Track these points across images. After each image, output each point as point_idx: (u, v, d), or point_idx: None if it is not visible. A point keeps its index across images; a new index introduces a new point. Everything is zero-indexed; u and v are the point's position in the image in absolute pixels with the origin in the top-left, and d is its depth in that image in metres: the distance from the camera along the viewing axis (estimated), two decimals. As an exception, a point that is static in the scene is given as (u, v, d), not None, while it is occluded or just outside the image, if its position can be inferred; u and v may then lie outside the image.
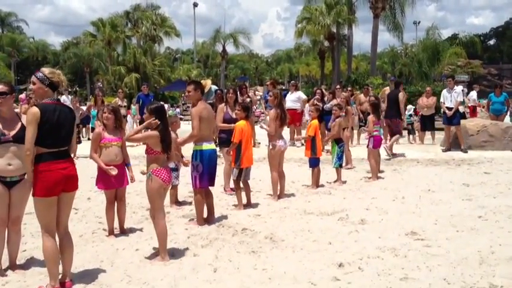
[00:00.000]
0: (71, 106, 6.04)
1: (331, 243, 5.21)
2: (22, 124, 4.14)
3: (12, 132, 4.13)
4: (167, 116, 5.11)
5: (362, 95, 14.45)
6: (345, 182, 8.62)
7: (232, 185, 7.84)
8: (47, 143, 3.75)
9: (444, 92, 12.20)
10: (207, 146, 5.95)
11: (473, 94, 17.09)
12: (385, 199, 7.32)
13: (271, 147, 7.37)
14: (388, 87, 14.15)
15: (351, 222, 6.01)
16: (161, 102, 5.81)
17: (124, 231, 5.66)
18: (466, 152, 11.69)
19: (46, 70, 3.93)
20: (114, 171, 5.28)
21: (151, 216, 4.79)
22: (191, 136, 5.96)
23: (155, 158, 4.62)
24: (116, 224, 5.66)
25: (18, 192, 4.21)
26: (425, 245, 5.07)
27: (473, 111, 17.88)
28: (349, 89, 15.92)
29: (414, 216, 6.29)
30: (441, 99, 12.21)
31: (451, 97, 11.90)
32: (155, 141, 4.58)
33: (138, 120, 14.37)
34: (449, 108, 11.88)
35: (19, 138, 4.04)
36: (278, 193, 7.44)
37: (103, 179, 5.44)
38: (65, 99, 15.13)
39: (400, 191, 7.91)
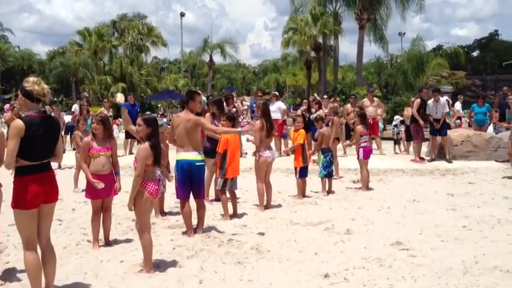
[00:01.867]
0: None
1: (317, 253, 5.22)
2: None
3: None
4: None
5: (349, 105, 14.54)
6: (332, 192, 8.64)
7: (212, 195, 7.86)
8: (28, 156, 3.69)
9: (429, 103, 12.31)
10: (183, 156, 5.86)
11: (458, 105, 17.25)
12: (371, 209, 7.36)
13: (257, 157, 7.38)
14: (366, 99, 14.22)
15: (337, 233, 6.03)
16: (149, 112, 5.80)
17: (109, 243, 5.60)
18: (451, 162, 11.81)
19: (29, 79, 3.83)
20: (100, 185, 5.25)
21: (137, 228, 4.73)
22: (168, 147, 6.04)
23: (145, 170, 4.54)
24: (101, 235, 5.61)
25: None
26: (410, 255, 5.10)
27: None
28: (337, 99, 16.03)
29: (399, 226, 6.33)
30: (427, 111, 12.31)
31: (437, 109, 12.03)
32: (147, 154, 4.52)
33: (124, 131, 14.29)
34: (437, 120, 12.00)
35: None
36: (265, 203, 7.44)
37: (91, 189, 5.40)
38: (76, 107, 14.93)
39: (386, 201, 7.95)
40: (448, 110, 12.67)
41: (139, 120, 4.68)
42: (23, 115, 3.78)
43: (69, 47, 49.22)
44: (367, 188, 8.89)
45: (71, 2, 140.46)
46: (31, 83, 3.74)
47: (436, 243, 5.55)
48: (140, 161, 4.51)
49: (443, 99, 12.65)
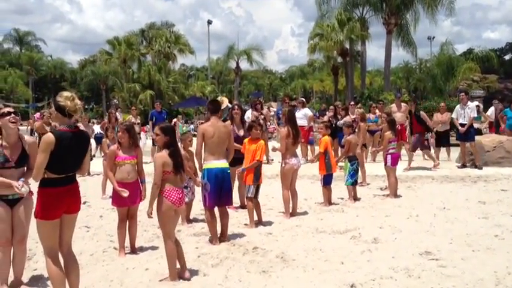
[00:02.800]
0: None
1: (343, 262, 5.13)
2: (23, 148, 4.29)
3: (14, 158, 4.23)
4: (181, 132, 5.13)
5: (378, 111, 14.31)
6: (358, 199, 8.52)
7: (236, 202, 7.87)
8: (56, 169, 3.74)
9: (457, 107, 12.03)
10: (215, 164, 5.92)
11: (491, 110, 16.48)
12: (399, 217, 7.21)
13: (283, 164, 7.33)
14: (394, 104, 13.93)
15: (364, 241, 5.92)
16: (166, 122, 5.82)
17: (134, 250, 5.64)
18: (481, 168, 11.50)
19: (63, 93, 3.88)
20: (125, 193, 5.30)
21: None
22: (195, 153, 6.03)
23: (166, 178, 4.55)
24: (127, 243, 5.65)
25: (21, 210, 4.27)
26: (440, 265, 4.96)
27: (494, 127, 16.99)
28: (359, 105, 15.85)
29: (428, 235, 6.17)
30: (453, 115, 12.04)
31: (465, 113, 11.71)
32: (165, 161, 4.54)
33: (152, 138, 14.45)
34: (463, 125, 11.70)
35: (20, 162, 4.24)
36: (290, 211, 7.38)
37: (116, 197, 5.47)
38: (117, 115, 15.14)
39: (415, 208, 7.78)
40: (476, 114, 12.28)
41: (156, 130, 4.73)
42: (55, 129, 3.85)
43: (99, 56, 50.37)
44: (395, 196, 8.73)
45: (101, 11, 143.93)
46: (64, 98, 3.79)
47: (467, 253, 5.38)
48: (157, 169, 4.54)
49: (473, 104, 12.31)
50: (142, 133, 17.04)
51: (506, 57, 60.05)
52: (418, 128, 11.87)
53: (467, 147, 11.93)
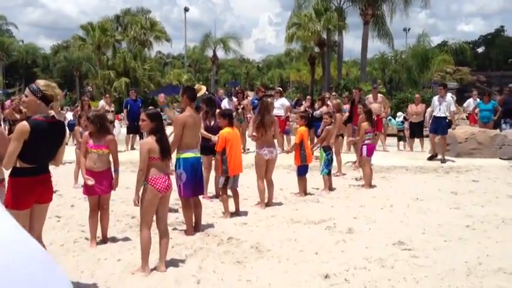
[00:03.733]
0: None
1: (317, 253, 5.14)
2: None
3: None
4: None
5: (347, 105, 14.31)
6: (333, 190, 8.56)
7: (211, 192, 7.83)
8: (29, 159, 3.64)
9: (434, 99, 11.99)
10: (190, 154, 5.84)
11: (471, 102, 16.52)
12: (374, 207, 7.26)
13: (255, 154, 7.33)
14: (370, 95, 13.99)
15: (339, 232, 5.94)
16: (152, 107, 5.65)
17: (106, 240, 5.54)
18: (444, 162, 11.52)
19: (41, 82, 3.80)
20: (90, 182, 5.19)
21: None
22: (172, 143, 5.88)
23: (152, 164, 4.47)
24: (99, 233, 5.54)
25: None
26: (413, 255, 5.01)
27: (474, 119, 15.83)
28: (333, 94, 15.90)
29: (402, 226, 6.24)
30: (431, 107, 12.06)
31: (441, 106, 11.71)
32: (151, 148, 4.44)
33: (126, 126, 14.23)
34: (437, 117, 11.67)
35: None
36: (266, 201, 7.36)
37: (86, 185, 5.34)
38: (102, 103, 14.89)
39: (389, 199, 7.85)
40: (455, 108, 12.33)
41: (142, 116, 4.65)
42: (31, 118, 3.71)
43: (72, 42, 49.27)
44: (370, 186, 8.80)
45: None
46: (51, 88, 3.70)
47: (439, 243, 5.45)
48: (142, 155, 4.47)
49: (449, 96, 12.36)
50: (116, 121, 16.76)
51: (479, 49, 61.20)
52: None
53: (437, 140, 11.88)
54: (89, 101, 12.33)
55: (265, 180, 7.38)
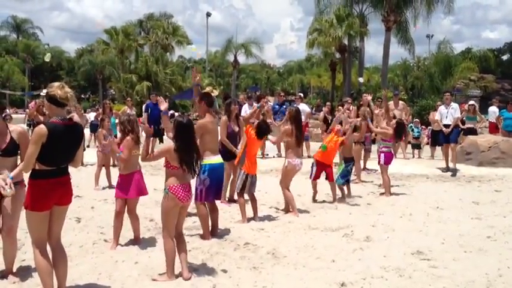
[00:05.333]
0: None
1: (334, 260, 5.10)
2: (11, 137, 4.29)
3: (3, 146, 4.23)
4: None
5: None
6: (351, 197, 8.48)
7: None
8: (48, 161, 3.70)
9: (441, 108, 11.85)
10: (215, 159, 5.90)
11: (494, 109, 15.98)
12: (392, 216, 7.18)
13: (286, 164, 7.25)
14: (391, 102, 13.85)
15: (356, 239, 5.89)
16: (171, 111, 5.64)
17: (139, 241, 5.64)
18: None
19: (52, 84, 3.85)
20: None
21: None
22: None
23: (173, 173, 4.43)
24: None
25: (7, 200, 4.23)
26: (431, 265, 4.93)
27: (496, 128, 15.09)
28: (349, 100, 15.76)
29: (421, 235, 6.15)
30: (437, 116, 11.88)
31: (448, 113, 11.56)
32: (172, 156, 4.40)
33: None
34: (446, 126, 11.56)
35: (8, 152, 4.24)
36: (287, 207, 7.37)
37: (118, 188, 5.57)
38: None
39: (408, 207, 7.76)
40: (459, 114, 12.12)
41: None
42: (48, 121, 3.79)
43: (96, 45, 50.07)
44: (390, 193, 8.70)
45: (100, 0, 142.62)
46: (55, 87, 3.75)
47: (459, 253, 5.36)
48: (158, 151, 4.60)
49: (456, 104, 12.21)
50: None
51: (504, 57, 60.06)
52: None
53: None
54: (111, 104, 12.49)
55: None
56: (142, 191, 5.64)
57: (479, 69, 33.00)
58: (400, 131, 8.77)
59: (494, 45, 70.55)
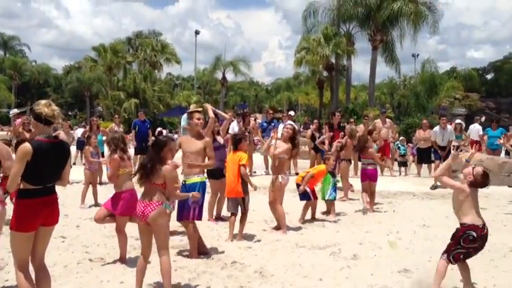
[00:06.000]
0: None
1: (321, 279, 5.09)
2: None
3: None
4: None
5: (362, 126, 14.35)
6: (338, 214, 8.50)
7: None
8: (33, 180, 3.66)
9: (436, 130, 12.16)
10: (203, 177, 5.96)
11: (476, 127, 16.17)
12: (379, 233, 7.20)
13: (281, 179, 7.23)
14: (379, 120, 14.03)
15: (343, 258, 5.89)
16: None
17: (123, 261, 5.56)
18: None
19: (38, 102, 3.83)
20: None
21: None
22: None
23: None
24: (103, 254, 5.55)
25: None
26: (418, 283, 4.94)
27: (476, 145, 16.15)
28: (351, 120, 15.91)
29: (408, 253, 6.18)
30: (432, 138, 12.14)
31: (443, 136, 11.89)
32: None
33: (134, 147, 14.30)
34: (442, 147, 11.85)
35: None
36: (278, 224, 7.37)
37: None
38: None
39: (395, 225, 7.79)
40: (454, 137, 12.43)
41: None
42: (33, 139, 3.78)
43: (84, 63, 49.98)
44: (370, 208, 8.83)
45: (89, 18, 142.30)
46: (41, 105, 3.73)
47: (445, 271, 5.37)
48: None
49: (451, 127, 12.51)
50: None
51: (488, 76, 61.17)
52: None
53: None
54: (98, 122, 12.42)
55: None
56: (130, 210, 5.39)
57: (464, 88, 33.53)
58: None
59: (478, 64, 71.74)
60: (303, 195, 8.01)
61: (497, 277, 5.17)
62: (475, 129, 15.46)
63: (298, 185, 8.07)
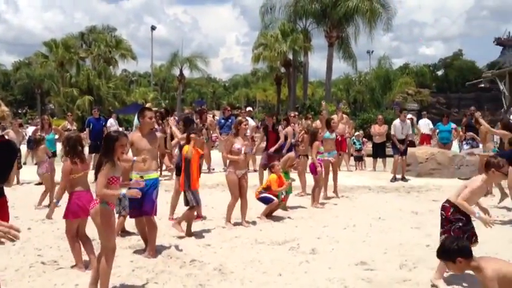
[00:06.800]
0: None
1: (281, 274, 5.12)
2: None
3: None
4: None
5: (318, 122, 14.53)
6: (297, 209, 8.59)
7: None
8: None
9: (397, 123, 12.34)
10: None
11: (426, 121, 16.79)
12: (337, 227, 7.32)
13: (227, 173, 7.32)
14: (335, 116, 14.22)
15: (302, 252, 5.95)
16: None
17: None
18: (406, 180, 11.94)
19: None
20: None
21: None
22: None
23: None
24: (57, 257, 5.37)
25: None
26: (374, 275, 5.05)
27: (426, 139, 16.15)
28: (309, 116, 16.09)
29: (364, 245, 6.30)
30: (392, 131, 12.36)
31: (403, 129, 12.13)
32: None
33: (88, 145, 13.93)
34: (401, 140, 12.07)
35: None
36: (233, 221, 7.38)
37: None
38: (112, 122, 14.89)
39: (352, 218, 7.94)
40: (411, 131, 12.82)
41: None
42: None
43: (35, 58, 48.26)
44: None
45: (39, 12, 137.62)
46: None
47: (400, 262, 5.52)
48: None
49: (409, 121, 12.83)
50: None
51: (439, 72, 63.24)
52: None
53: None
54: (50, 120, 12.01)
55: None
56: (74, 213, 5.17)
57: (416, 84, 34.56)
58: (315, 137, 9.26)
59: (430, 61, 73.91)
60: (265, 200, 8.06)
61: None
62: (425, 123, 16.00)
63: (259, 199, 8.13)
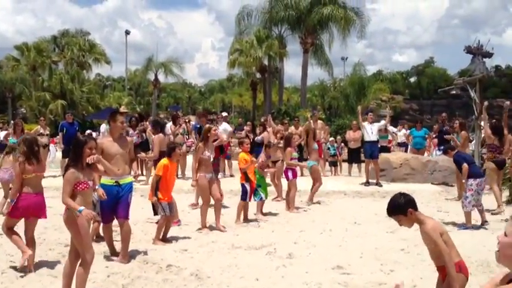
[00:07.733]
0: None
1: (258, 279, 5.12)
2: None
3: None
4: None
5: (293, 127, 14.65)
6: (273, 215, 8.61)
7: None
8: None
9: (365, 125, 12.54)
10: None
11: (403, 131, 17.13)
12: (313, 232, 7.36)
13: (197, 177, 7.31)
14: (311, 122, 14.34)
15: (279, 257, 5.96)
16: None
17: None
18: (381, 186, 12.05)
19: None
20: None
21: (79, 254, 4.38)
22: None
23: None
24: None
25: None
26: (350, 279, 5.10)
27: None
28: (285, 121, 16.16)
29: (341, 250, 6.36)
30: (365, 135, 12.53)
31: (372, 130, 12.27)
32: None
33: (61, 150, 13.69)
34: (369, 142, 12.22)
35: None
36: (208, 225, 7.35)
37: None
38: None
39: (328, 223, 8.00)
40: (382, 123, 12.94)
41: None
42: None
43: (5, 62, 47.14)
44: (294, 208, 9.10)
45: (11, 15, 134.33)
46: None
47: (376, 266, 5.59)
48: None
49: (377, 123, 12.97)
50: (51, 145, 16.13)
51: (412, 79, 64.34)
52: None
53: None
54: (22, 124, 11.74)
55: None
56: (15, 213, 5.29)
57: (390, 91, 35.09)
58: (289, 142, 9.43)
59: (403, 68, 75.19)
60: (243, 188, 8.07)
61: (423, 270, 5.37)
62: (401, 133, 16.36)
63: (242, 185, 8.11)
